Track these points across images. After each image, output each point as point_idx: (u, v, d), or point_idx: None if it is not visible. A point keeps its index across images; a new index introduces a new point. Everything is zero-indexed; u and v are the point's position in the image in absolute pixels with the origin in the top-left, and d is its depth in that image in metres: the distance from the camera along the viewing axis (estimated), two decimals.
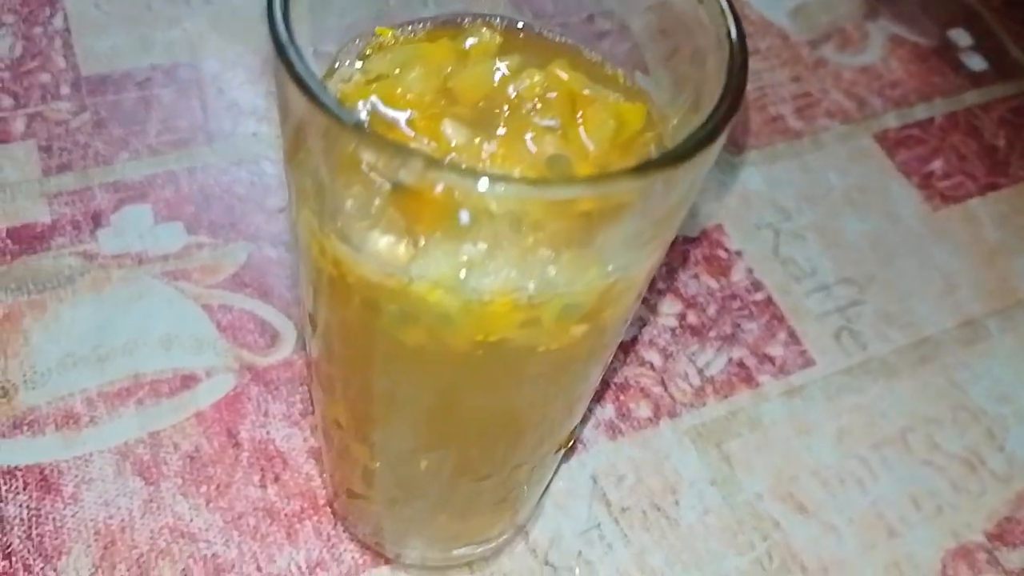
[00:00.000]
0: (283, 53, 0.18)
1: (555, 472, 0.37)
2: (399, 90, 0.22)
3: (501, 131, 0.22)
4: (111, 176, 0.44)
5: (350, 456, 0.28)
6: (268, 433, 0.37)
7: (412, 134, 0.22)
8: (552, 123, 0.22)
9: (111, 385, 0.38)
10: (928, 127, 0.54)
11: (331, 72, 0.23)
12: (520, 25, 0.25)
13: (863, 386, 0.43)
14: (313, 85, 0.17)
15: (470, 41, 0.24)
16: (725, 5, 0.22)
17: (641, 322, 0.43)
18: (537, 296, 0.20)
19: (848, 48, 0.57)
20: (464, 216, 0.19)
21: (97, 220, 0.42)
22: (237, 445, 0.37)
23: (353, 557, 0.35)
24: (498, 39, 0.24)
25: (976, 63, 0.58)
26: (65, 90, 0.46)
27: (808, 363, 0.43)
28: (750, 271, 0.46)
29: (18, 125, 0.45)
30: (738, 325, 0.44)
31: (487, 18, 0.26)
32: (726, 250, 0.47)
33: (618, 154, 0.23)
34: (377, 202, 0.19)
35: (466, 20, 0.25)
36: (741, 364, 0.43)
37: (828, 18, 0.59)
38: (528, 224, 0.19)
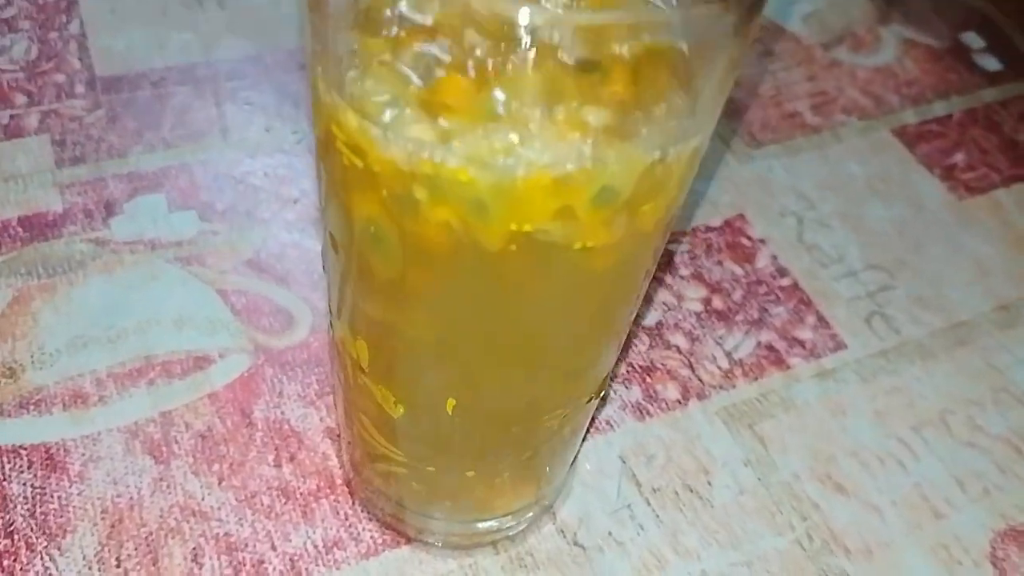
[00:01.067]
0: None
1: (582, 443, 0.36)
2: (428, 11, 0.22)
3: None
4: (125, 168, 0.43)
5: (373, 405, 0.27)
6: (283, 413, 0.36)
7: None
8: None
9: (122, 366, 0.36)
10: (947, 123, 0.54)
11: None
12: None
13: (899, 368, 0.42)
14: None
15: None
16: None
17: (665, 307, 0.42)
18: (573, 174, 0.19)
19: (861, 50, 0.57)
20: (498, 95, 0.19)
21: (110, 209, 0.42)
22: (251, 425, 0.36)
23: (372, 536, 0.33)
24: None
25: (991, 63, 0.58)
26: (80, 89, 0.46)
27: (839, 346, 0.42)
28: (775, 258, 0.45)
29: (31, 121, 0.44)
30: (765, 309, 0.43)
31: None
32: (749, 238, 0.46)
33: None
34: (407, 78, 0.18)
35: None
36: (770, 347, 0.41)
37: (840, 22, 0.59)
38: (564, 92, 0.18)
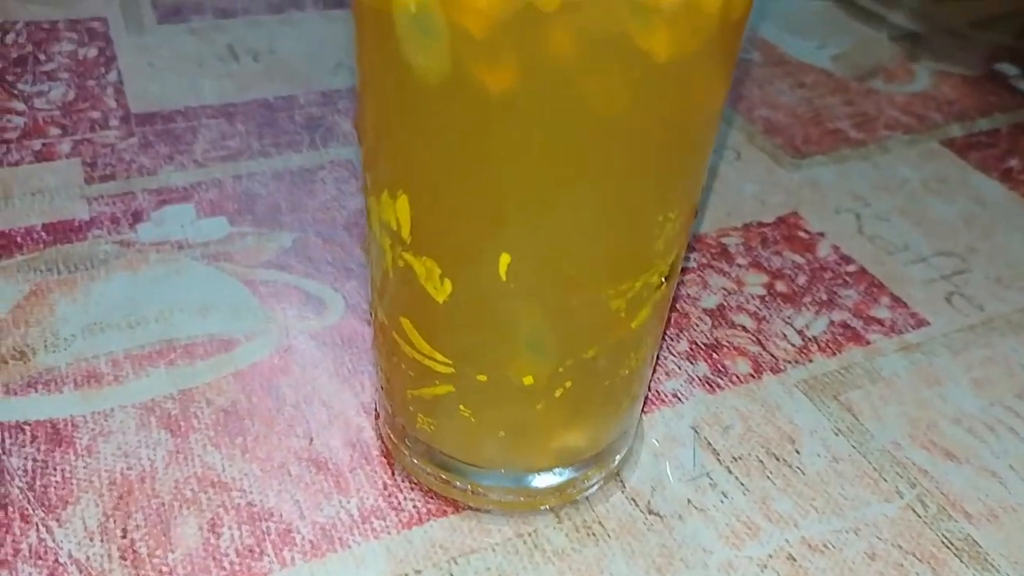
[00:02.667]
0: None
1: (642, 414, 0.31)
2: None
3: None
4: (155, 184, 0.42)
5: (415, 296, 0.24)
6: (313, 389, 0.33)
7: None
8: None
9: (140, 348, 0.34)
10: (995, 135, 0.52)
11: None
12: None
13: (991, 341, 0.37)
14: None
15: None
16: None
17: (724, 291, 0.39)
18: None
19: (895, 81, 0.57)
20: None
21: (138, 216, 0.40)
22: (279, 399, 0.32)
23: (415, 505, 0.29)
24: None
25: None
26: (114, 122, 0.46)
27: (921, 323, 0.38)
28: (836, 248, 0.42)
29: (64, 147, 0.44)
30: (834, 292, 0.39)
31: None
32: (807, 232, 0.43)
33: None
34: None
35: None
36: (845, 325, 0.38)
37: (870, 61, 0.59)
38: None
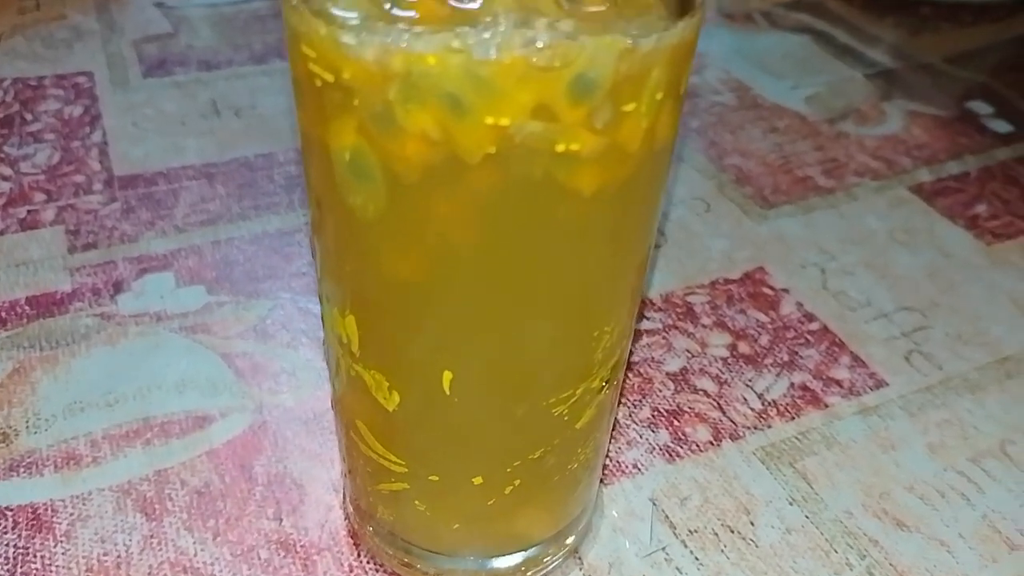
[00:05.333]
0: None
1: (605, 485, 0.33)
2: None
3: None
4: (135, 251, 0.43)
5: (368, 403, 0.25)
6: (285, 468, 0.34)
7: None
8: None
9: (118, 428, 0.35)
10: (964, 179, 0.53)
11: None
12: None
13: (948, 402, 0.38)
14: None
15: None
16: None
17: (688, 354, 0.40)
18: (546, 59, 0.18)
19: (867, 123, 0.58)
20: (466, 8, 0.18)
21: (118, 287, 0.41)
22: (251, 480, 0.33)
23: None
24: None
25: (1001, 126, 0.58)
26: (98, 186, 0.47)
27: (880, 384, 0.39)
28: (800, 305, 0.43)
29: (48, 214, 0.45)
30: (795, 352, 0.41)
31: None
32: (771, 288, 0.44)
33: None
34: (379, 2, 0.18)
35: None
36: (805, 387, 0.39)
37: (842, 102, 0.60)
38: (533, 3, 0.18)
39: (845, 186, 0.52)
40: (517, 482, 0.26)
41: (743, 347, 0.41)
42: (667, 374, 0.39)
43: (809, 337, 0.41)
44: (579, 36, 0.18)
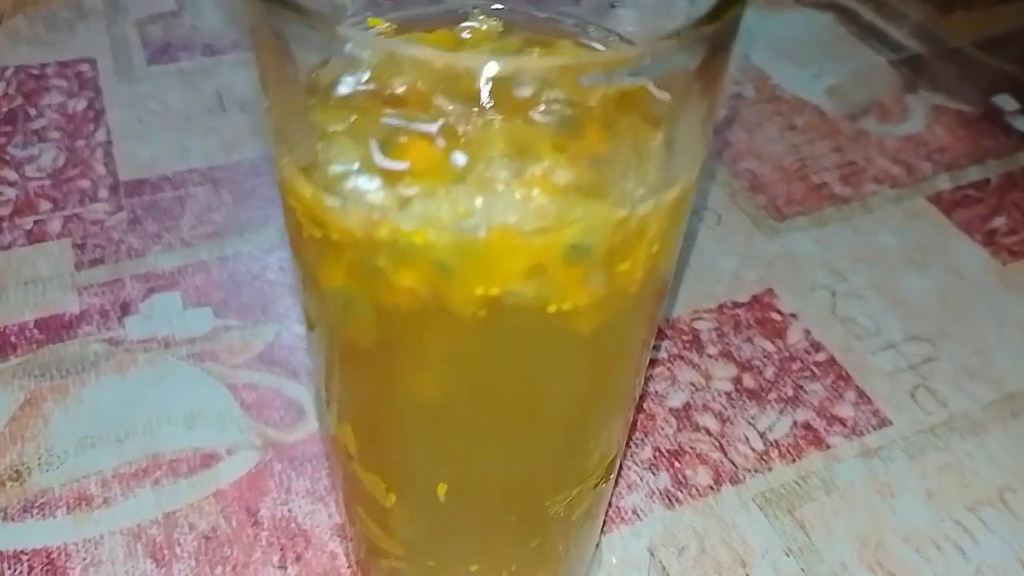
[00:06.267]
0: None
1: (605, 533, 0.33)
2: (392, 74, 0.21)
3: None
4: (142, 268, 0.43)
5: (367, 496, 0.25)
6: (290, 511, 0.34)
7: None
8: (555, 96, 0.21)
9: (128, 465, 0.36)
10: (984, 187, 0.52)
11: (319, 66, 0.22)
12: (521, 14, 0.24)
13: (950, 444, 0.39)
14: None
15: (468, 26, 0.23)
16: None
17: (692, 387, 0.40)
18: (539, 234, 0.17)
19: (889, 120, 0.56)
20: (460, 157, 0.18)
21: (126, 308, 0.42)
22: (257, 524, 0.34)
23: None
24: (498, 25, 0.23)
25: None
26: (103, 193, 0.47)
27: (883, 423, 0.39)
28: (807, 332, 0.43)
29: (54, 226, 0.45)
30: (800, 387, 0.40)
31: (490, 7, 0.25)
32: (779, 312, 0.44)
33: (625, 117, 0.21)
34: (361, 139, 0.18)
35: (467, 10, 0.24)
36: (808, 426, 0.39)
37: (865, 94, 0.58)
38: (532, 149, 0.17)
39: (862, 195, 0.50)
40: (514, 567, 0.27)
41: (748, 380, 0.41)
42: (670, 410, 0.39)
43: (815, 369, 0.41)
44: (573, 199, 0.18)
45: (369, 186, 0.18)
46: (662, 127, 0.19)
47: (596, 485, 0.26)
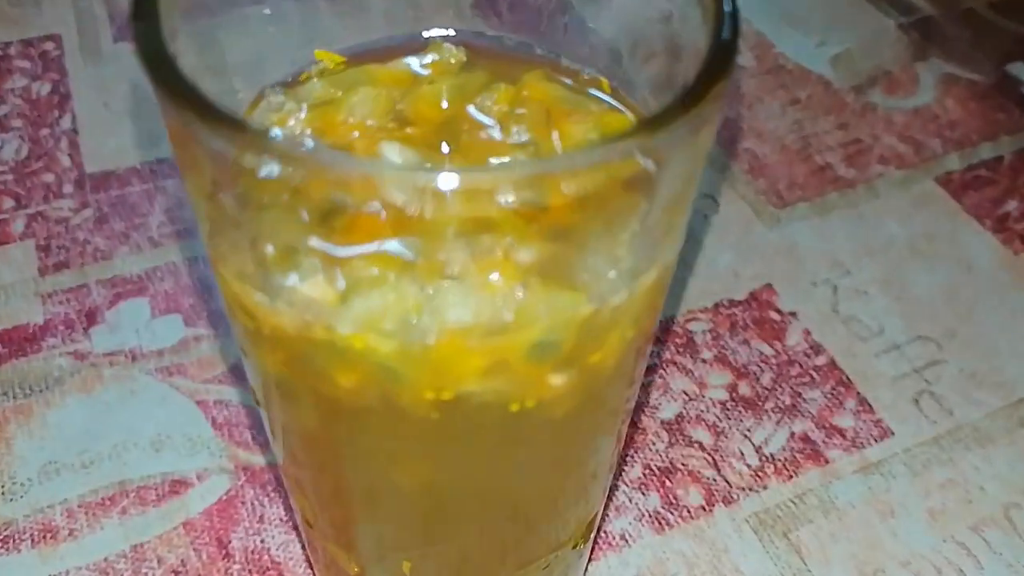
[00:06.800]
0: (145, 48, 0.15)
1: (591, 563, 0.32)
2: (340, 116, 0.19)
3: (455, 155, 0.18)
4: (109, 272, 0.41)
5: (331, 563, 0.24)
6: (263, 541, 0.33)
7: None
8: (523, 140, 0.19)
9: (94, 494, 0.34)
10: (997, 167, 0.49)
11: (256, 101, 0.20)
12: (487, 41, 0.22)
13: (954, 457, 0.37)
14: (180, 79, 0.14)
15: (429, 59, 0.21)
16: None
17: (685, 396, 0.38)
18: (497, 334, 0.15)
19: (897, 92, 0.53)
20: (402, 246, 0.16)
21: (92, 318, 0.40)
22: (228, 556, 0.33)
23: None
24: (462, 55, 0.21)
25: None
26: (68, 188, 0.45)
27: (885, 434, 0.37)
28: (807, 333, 0.41)
29: (17, 226, 0.43)
30: (799, 394, 0.39)
31: (449, 35, 0.22)
32: (778, 311, 0.42)
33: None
34: (288, 233, 0.15)
35: (425, 39, 0.22)
36: (806, 439, 0.37)
37: (872, 63, 0.55)
38: (480, 240, 0.15)
39: (867, 177, 0.48)
40: None
41: (744, 388, 0.39)
42: (662, 423, 0.37)
43: (815, 374, 0.39)
44: (537, 289, 0.16)
45: (293, 280, 0.16)
46: (640, 198, 0.17)
47: (575, 546, 0.24)
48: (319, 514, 0.22)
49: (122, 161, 0.46)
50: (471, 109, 0.19)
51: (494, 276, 0.15)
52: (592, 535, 0.25)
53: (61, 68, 0.51)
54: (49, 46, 0.53)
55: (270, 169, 0.13)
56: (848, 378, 0.39)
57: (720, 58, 0.15)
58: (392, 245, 0.15)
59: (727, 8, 0.16)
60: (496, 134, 0.18)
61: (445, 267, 0.15)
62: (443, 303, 0.15)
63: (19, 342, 0.39)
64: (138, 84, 0.50)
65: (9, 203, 0.44)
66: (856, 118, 0.51)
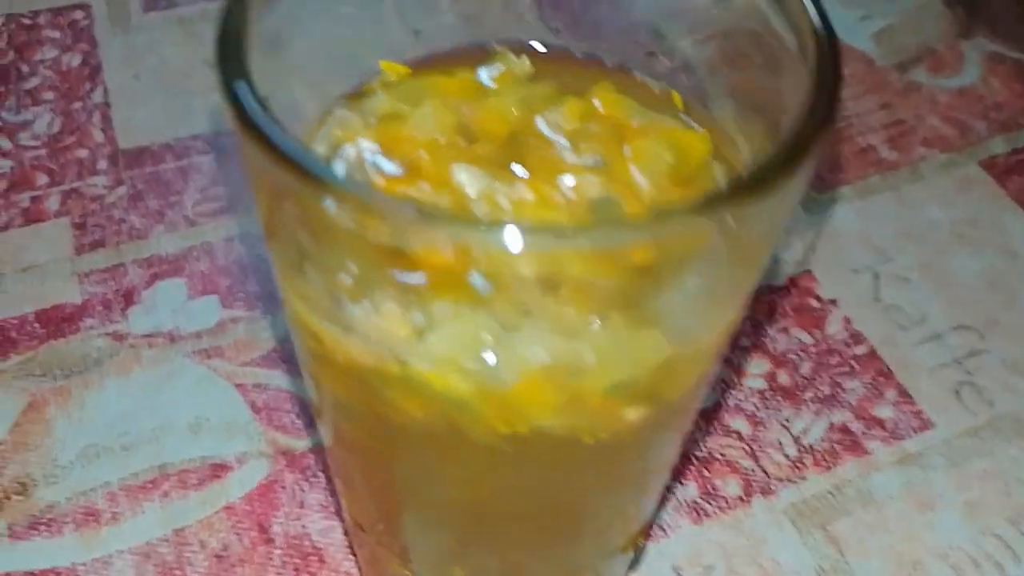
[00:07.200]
0: (228, 88, 0.14)
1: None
2: (405, 131, 0.18)
3: (527, 175, 0.18)
4: (145, 251, 0.41)
5: (380, 565, 0.24)
6: (304, 527, 0.33)
7: (418, 185, 0.18)
8: (594, 161, 0.18)
9: (135, 478, 0.34)
10: None
11: (324, 118, 0.19)
12: (556, 50, 0.21)
13: (994, 449, 0.37)
14: (262, 124, 0.14)
15: (495, 70, 0.20)
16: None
17: (724, 385, 0.38)
18: (576, 375, 0.15)
19: (942, 71, 0.52)
20: (478, 281, 0.15)
21: (129, 298, 0.40)
22: (269, 541, 0.33)
23: None
24: (528, 66, 0.20)
25: None
26: (102, 164, 0.45)
27: (925, 425, 0.37)
28: (848, 321, 0.40)
29: (52, 203, 0.43)
30: (838, 384, 0.38)
31: (516, 44, 0.22)
32: (818, 299, 0.41)
33: (679, 193, 0.18)
34: (363, 271, 0.15)
35: (492, 47, 0.21)
36: (845, 430, 0.37)
37: (916, 39, 0.53)
38: (561, 286, 0.15)
39: (911, 160, 0.47)
40: None
41: (782, 377, 0.38)
42: (700, 411, 0.37)
43: (855, 364, 0.39)
44: (618, 326, 0.15)
45: (371, 316, 0.16)
46: (728, 246, 0.16)
47: (625, 550, 0.24)
48: (375, 524, 0.22)
49: (155, 136, 0.46)
50: (540, 123, 0.18)
51: (573, 314, 0.15)
52: (645, 539, 0.25)
53: (91, 38, 0.51)
54: (79, 15, 0.52)
55: (346, 223, 0.13)
56: (888, 368, 0.39)
57: (823, 103, 0.14)
58: (470, 278, 0.14)
59: (818, 25, 0.15)
60: (567, 155, 0.17)
61: (523, 304, 0.15)
62: (523, 343, 0.15)
63: (57, 323, 0.39)
64: (169, 55, 0.50)
65: (43, 179, 0.44)
66: (899, 98, 0.50)
